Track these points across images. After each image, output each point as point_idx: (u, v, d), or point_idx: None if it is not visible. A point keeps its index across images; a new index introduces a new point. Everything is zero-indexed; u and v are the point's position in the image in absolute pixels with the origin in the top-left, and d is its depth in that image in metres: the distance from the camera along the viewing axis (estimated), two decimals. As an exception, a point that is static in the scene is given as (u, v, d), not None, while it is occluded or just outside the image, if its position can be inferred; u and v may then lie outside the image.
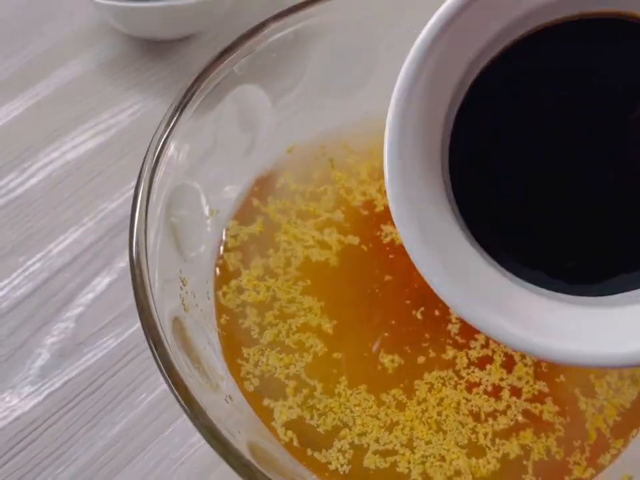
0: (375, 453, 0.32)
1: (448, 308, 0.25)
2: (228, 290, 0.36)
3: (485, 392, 0.33)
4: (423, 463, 0.32)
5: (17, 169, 0.47)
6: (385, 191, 0.24)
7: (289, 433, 0.32)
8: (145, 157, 0.31)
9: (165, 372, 0.27)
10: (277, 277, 0.36)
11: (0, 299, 0.43)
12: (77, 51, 0.52)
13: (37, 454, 0.38)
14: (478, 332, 0.30)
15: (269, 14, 0.54)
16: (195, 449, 0.39)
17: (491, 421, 0.32)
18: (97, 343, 0.42)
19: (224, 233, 0.38)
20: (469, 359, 0.34)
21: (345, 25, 0.39)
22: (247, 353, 0.34)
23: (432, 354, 0.34)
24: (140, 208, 0.30)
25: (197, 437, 0.39)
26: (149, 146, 0.32)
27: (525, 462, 0.32)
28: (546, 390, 0.33)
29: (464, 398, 0.33)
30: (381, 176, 0.40)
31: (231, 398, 0.32)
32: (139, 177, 0.31)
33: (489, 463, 0.32)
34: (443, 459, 0.32)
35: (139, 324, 0.41)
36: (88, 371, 0.41)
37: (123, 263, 0.44)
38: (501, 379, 0.33)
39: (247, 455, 0.26)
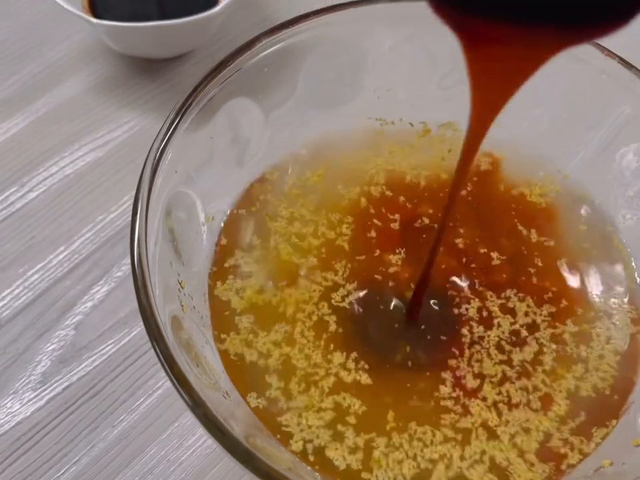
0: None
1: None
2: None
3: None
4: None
5: (17, 183, 0.49)
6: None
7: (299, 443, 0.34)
8: (143, 167, 0.33)
9: (166, 367, 0.28)
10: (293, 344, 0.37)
11: (1, 308, 0.44)
12: (73, 70, 0.54)
13: (38, 457, 0.40)
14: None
15: (257, 32, 0.56)
16: (192, 450, 0.40)
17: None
18: (96, 349, 0.43)
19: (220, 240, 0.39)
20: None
21: (334, 41, 0.41)
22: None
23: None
24: (140, 214, 0.32)
25: (194, 439, 0.41)
26: (147, 156, 0.33)
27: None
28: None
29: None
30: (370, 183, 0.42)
31: (228, 394, 0.33)
32: (139, 185, 0.32)
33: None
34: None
35: (136, 331, 0.43)
36: (87, 376, 0.42)
37: (121, 272, 0.46)
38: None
39: (246, 444, 0.27)
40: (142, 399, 0.41)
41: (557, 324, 0.37)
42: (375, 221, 0.40)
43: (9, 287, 0.45)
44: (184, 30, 0.49)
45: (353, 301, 0.37)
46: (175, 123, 0.34)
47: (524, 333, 0.37)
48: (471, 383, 0.35)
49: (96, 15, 0.52)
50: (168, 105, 0.53)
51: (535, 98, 0.43)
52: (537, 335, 0.37)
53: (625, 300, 0.38)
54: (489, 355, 0.36)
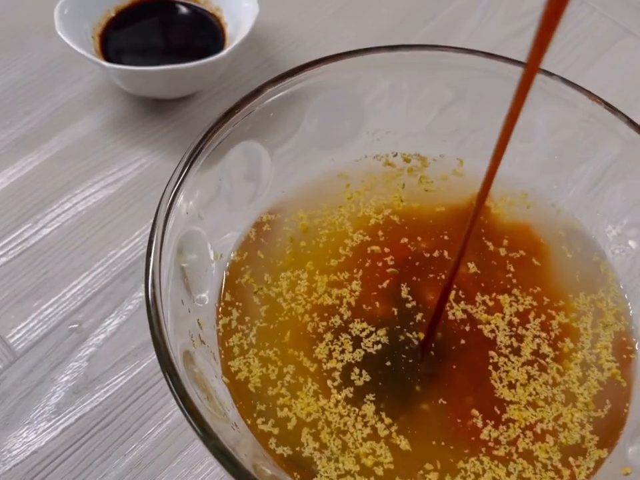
0: None
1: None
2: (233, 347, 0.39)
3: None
4: None
5: (31, 220, 0.51)
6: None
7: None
8: (158, 207, 0.35)
9: (179, 400, 0.30)
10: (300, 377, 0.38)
11: (17, 340, 0.46)
12: (85, 110, 0.56)
13: (53, 485, 0.41)
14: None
15: (260, 74, 0.59)
16: (200, 478, 0.42)
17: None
18: (108, 380, 0.45)
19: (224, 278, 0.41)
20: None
21: (335, 87, 0.43)
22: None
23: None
24: (154, 253, 0.33)
25: (202, 468, 0.42)
26: (162, 197, 0.35)
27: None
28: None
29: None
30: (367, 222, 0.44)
31: (236, 426, 0.35)
32: (153, 225, 0.34)
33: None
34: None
35: (147, 362, 0.45)
36: (100, 406, 0.44)
37: (131, 305, 0.47)
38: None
39: (254, 474, 0.29)
40: (152, 429, 0.43)
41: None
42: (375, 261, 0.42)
43: (24, 320, 0.47)
44: (192, 73, 0.51)
45: (361, 341, 0.39)
46: (187, 167, 0.36)
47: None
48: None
49: (107, 57, 0.54)
50: (176, 143, 0.55)
51: (527, 136, 0.45)
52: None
53: (611, 340, 0.40)
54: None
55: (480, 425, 0.36)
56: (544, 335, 0.40)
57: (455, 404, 0.37)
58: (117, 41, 0.56)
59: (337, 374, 0.37)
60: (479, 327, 0.40)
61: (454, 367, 0.38)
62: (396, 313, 0.40)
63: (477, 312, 0.40)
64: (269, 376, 0.38)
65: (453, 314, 0.40)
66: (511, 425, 0.37)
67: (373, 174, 0.46)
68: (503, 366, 0.38)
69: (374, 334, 0.39)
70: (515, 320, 0.40)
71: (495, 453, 0.36)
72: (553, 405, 0.37)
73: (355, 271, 0.41)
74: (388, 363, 0.38)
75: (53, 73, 0.58)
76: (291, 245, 0.42)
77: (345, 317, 0.39)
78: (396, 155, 0.46)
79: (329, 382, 0.37)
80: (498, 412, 0.37)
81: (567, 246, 0.43)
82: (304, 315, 0.40)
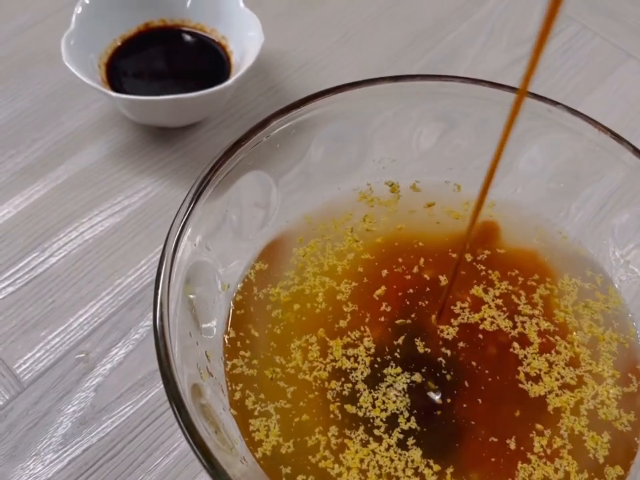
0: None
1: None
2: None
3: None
4: None
5: (38, 249, 0.51)
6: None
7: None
8: (166, 240, 0.35)
9: (187, 435, 0.30)
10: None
11: (24, 371, 0.46)
12: (91, 139, 0.57)
13: (60, 518, 0.41)
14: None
15: (265, 101, 0.59)
16: (208, 509, 0.41)
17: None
18: (115, 410, 0.45)
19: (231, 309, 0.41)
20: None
21: (340, 117, 0.43)
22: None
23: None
24: (162, 285, 0.34)
25: (210, 498, 0.42)
26: (170, 228, 0.35)
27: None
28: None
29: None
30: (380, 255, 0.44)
31: (245, 459, 0.35)
32: (162, 257, 0.34)
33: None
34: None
35: (154, 392, 0.45)
36: (107, 437, 0.44)
37: (138, 334, 0.47)
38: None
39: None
40: (159, 460, 0.43)
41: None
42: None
43: (30, 350, 0.47)
44: (196, 102, 0.52)
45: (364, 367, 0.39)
46: (195, 200, 0.36)
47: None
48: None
49: (113, 86, 0.55)
50: (182, 171, 0.55)
51: (532, 163, 0.45)
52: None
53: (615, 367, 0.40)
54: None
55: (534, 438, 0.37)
56: (536, 312, 0.41)
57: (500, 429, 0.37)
58: (123, 69, 0.56)
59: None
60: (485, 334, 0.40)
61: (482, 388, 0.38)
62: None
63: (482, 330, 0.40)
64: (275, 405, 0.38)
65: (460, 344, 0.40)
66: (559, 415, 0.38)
67: (377, 201, 0.46)
68: (524, 362, 0.39)
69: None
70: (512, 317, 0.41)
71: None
72: (587, 384, 0.39)
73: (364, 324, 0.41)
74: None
75: (58, 102, 0.59)
76: (293, 276, 0.43)
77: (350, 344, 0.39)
78: (393, 183, 0.46)
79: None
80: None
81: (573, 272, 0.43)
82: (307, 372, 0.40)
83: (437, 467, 0.36)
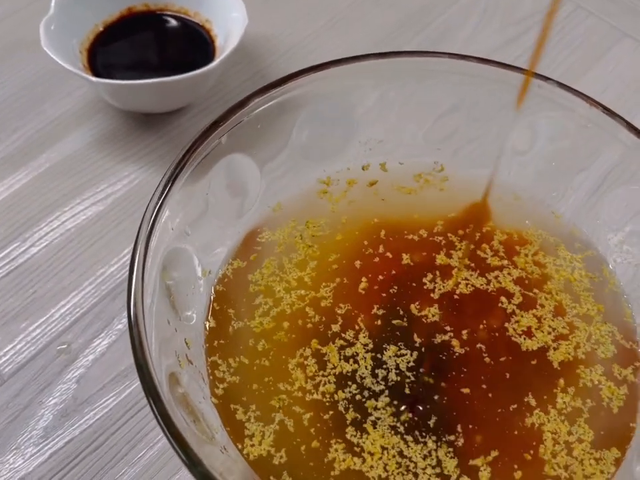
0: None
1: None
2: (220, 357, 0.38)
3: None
4: None
5: (19, 239, 0.50)
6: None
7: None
8: (140, 224, 0.34)
9: (163, 426, 0.29)
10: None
11: (4, 363, 0.45)
12: (75, 126, 0.55)
13: (40, 513, 0.40)
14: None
15: (251, 85, 0.58)
16: (193, 502, 0.40)
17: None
18: (97, 402, 0.43)
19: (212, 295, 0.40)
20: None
21: (324, 96, 0.42)
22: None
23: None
24: (137, 271, 0.32)
25: (195, 491, 0.41)
26: (144, 213, 0.34)
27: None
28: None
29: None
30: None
31: (225, 449, 0.34)
32: (135, 242, 0.33)
33: None
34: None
35: (137, 383, 0.44)
36: (89, 429, 0.42)
37: (121, 325, 0.46)
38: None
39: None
40: (143, 452, 0.42)
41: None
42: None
43: (11, 342, 0.45)
44: (180, 86, 0.50)
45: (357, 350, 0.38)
46: (171, 182, 0.35)
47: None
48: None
49: (95, 72, 0.54)
50: (167, 157, 0.54)
51: (525, 143, 0.44)
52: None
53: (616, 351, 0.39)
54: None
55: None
56: (505, 262, 0.41)
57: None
58: (105, 55, 0.55)
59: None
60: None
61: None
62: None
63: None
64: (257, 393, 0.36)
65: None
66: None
67: (360, 184, 0.45)
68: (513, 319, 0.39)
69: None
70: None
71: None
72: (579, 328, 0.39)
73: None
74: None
75: (41, 90, 0.57)
76: (280, 260, 0.41)
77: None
78: (384, 164, 0.45)
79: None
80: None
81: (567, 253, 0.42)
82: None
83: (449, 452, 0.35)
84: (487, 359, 0.37)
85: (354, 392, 0.36)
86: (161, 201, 0.34)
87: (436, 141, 0.44)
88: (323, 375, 0.36)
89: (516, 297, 0.40)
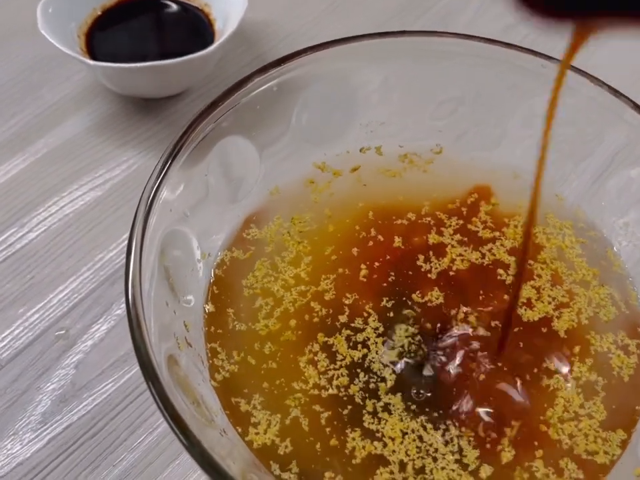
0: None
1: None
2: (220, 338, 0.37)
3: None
4: None
5: (17, 224, 0.49)
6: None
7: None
8: (137, 206, 0.33)
9: (161, 407, 0.28)
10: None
11: (1, 349, 0.44)
12: (72, 111, 0.55)
13: (39, 499, 0.39)
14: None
15: (250, 71, 0.57)
16: (193, 488, 0.40)
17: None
18: (96, 388, 0.43)
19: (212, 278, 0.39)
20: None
21: (325, 77, 0.41)
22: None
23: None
24: (134, 254, 0.32)
25: (195, 477, 0.40)
26: (142, 195, 0.34)
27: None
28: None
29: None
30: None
31: (225, 432, 0.33)
32: (133, 225, 0.33)
33: None
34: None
35: (136, 368, 0.43)
36: (88, 415, 0.42)
37: (120, 310, 0.46)
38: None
39: (242, 483, 0.27)
40: (142, 437, 0.41)
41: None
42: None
43: (8, 327, 0.45)
44: (179, 69, 0.50)
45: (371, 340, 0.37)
46: (168, 163, 0.35)
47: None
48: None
49: (94, 56, 0.53)
50: (166, 142, 0.53)
51: (528, 125, 0.43)
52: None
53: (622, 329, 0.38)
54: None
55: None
56: (496, 234, 0.41)
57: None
58: (103, 39, 0.55)
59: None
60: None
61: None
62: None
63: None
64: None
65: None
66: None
67: (363, 167, 0.44)
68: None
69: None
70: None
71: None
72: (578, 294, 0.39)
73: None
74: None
75: (39, 74, 0.57)
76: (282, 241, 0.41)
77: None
78: (380, 147, 0.44)
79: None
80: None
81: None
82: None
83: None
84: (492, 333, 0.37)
85: (367, 379, 0.36)
86: (158, 182, 0.34)
87: (438, 123, 0.44)
88: (334, 369, 0.36)
89: (512, 269, 0.40)
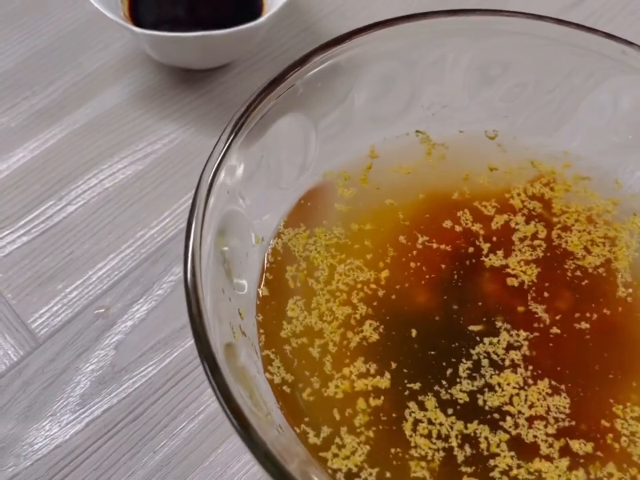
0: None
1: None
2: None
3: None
4: None
5: (54, 196, 0.47)
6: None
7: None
8: (198, 185, 0.31)
9: (222, 400, 0.27)
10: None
11: (39, 326, 0.43)
12: (112, 80, 0.53)
13: (77, 483, 0.38)
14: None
15: (299, 43, 0.55)
16: (236, 478, 0.39)
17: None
18: (136, 370, 0.42)
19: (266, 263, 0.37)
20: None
21: (385, 55, 0.39)
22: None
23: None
24: (194, 235, 0.30)
25: (238, 467, 0.39)
26: (202, 174, 0.32)
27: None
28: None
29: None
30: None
31: (281, 428, 0.32)
32: (193, 204, 0.31)
33: None
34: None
35: (178, 352, 0.42)
36: (127, 398, 0.41)
37: (161, 290, 0.44)
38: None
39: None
40: (183, 424, 0.40)
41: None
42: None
43: (47, 304, 0.43)
44: (227, 41, 0.48)
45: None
46: (229, 141, 0.33)
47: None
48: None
49: (136, 22, 0.51)
50: (208, 117, 0.51)
51: (597, 113, 0.41)
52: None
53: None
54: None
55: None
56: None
57: None
58: (147, 5, 0.52)
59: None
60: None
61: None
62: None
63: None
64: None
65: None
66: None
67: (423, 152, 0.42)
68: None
69: None
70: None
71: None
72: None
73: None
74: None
75: (78, 40, 0.55)
76: (337, 224, 0.39)
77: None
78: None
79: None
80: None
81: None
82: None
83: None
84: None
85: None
86: (219, 160, 0.32)
87: (503, 106, 0.42)
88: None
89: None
